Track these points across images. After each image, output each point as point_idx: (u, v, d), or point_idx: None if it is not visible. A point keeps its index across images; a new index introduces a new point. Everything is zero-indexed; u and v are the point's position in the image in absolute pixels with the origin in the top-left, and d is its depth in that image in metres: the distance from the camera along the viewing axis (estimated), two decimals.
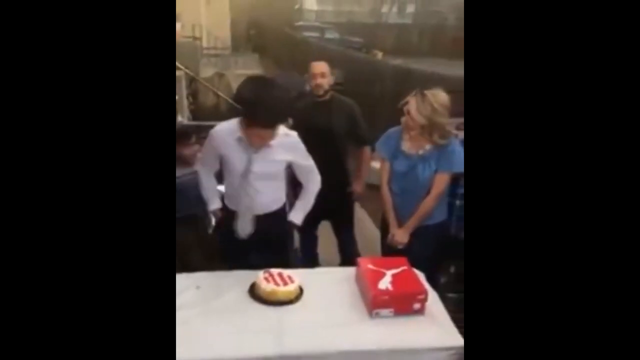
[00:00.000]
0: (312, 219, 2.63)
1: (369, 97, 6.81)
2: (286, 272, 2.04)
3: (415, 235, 2.55)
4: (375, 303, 1.87)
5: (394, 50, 19.44)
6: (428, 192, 2.49)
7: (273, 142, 2.18)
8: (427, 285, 2.03)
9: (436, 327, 1.85)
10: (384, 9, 29.65)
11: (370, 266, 2.05)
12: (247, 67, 12.48)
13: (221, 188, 2.53)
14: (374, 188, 2.89)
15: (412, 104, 2.42)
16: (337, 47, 14.10)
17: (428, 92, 2.39)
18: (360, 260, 2.14)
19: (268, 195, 2.36)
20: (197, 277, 2.10)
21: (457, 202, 2.69)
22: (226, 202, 2.46)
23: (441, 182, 2.47)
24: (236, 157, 2.25)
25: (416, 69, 6.83)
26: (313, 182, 2.44)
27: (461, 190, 2.65)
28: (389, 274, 1.99)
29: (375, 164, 3.22)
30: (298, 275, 2.05)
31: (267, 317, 1.86)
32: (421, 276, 2.12)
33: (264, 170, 2.26)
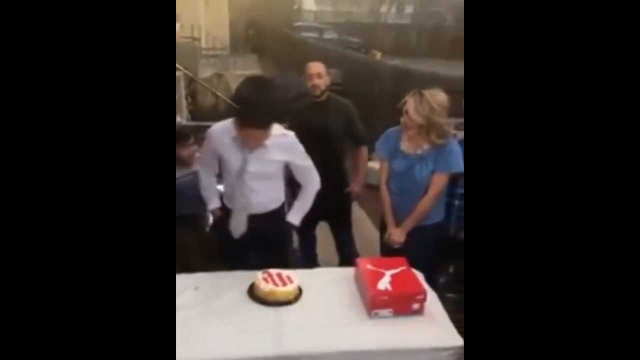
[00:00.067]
0: (311, 219, 2.64)
1: (367, 97, 6.81)
2: (285, 272, 2.04)
3: (412, 235, 2.55)
4: (374, 303, 1.87)
5: (392, 51, 19.44)
6: (426, 192, 2.49)
7: (269, 142, 2.18)
8: (426, 286, 2.03)
9: (435, 327, 1.85)
10: (383, 9, 29.65)
11: (370, 266, 2.05)
12: (246, 68, 12.45)
13: (221, 188, 2.54)
14: (373, 188, 2.90)
15: (410, 103, 2.42)
16: (335, 47, 14.10)
17: (426, 92, 2.40)
18: (359, 260, 2.14)
19: (265, 195, 2.36)
20: (196, 278, 2.10)
21: (456, 202, 2.70)
22: (225, 201, 2.47)
23: (439, 182, 2.48)
24: (232, 157, 2.26)
25: (415, 69, 6.82)
26: (311, 183, 2.43)
27: (460, 190, 2.65)
28: (388, 274, 1.99)
29: (375, 165, 3.23)
30: (297, 276, 2.05)
31: (266, 318, 1.86)
32: (420, 276, 2.12)
33: (260, 170, 2.26)
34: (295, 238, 3.11)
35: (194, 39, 14.06)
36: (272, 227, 2.41)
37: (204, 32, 16.37)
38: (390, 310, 1.88)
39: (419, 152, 2.49)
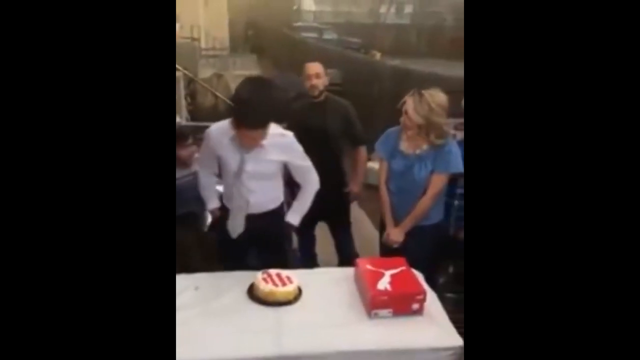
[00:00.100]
0: (310, 219, 2.64)
1: (367, 98, 6.81)
2: (285, 272, 2.04)
3: (411, 235, 2.55)
4: (374, 303, 1.88)
5: (392, 51, 19.43)
6: (425, 192, 2.49)
7: (266, 142, 2.17)
8: (425, 286, 2.03)
9: (435, 327, 1.85)
10: (382, 10, 29.65)
11: (369, 266, 2.05)
12: (245, 68, 12.45)
13: (221, 188, 2.54)
14: (373, 188, 2.90)
15: (409, 103, 2.42)
16: (335, 47, 14.11)
17: (426, 92, 2.40)
18: (359, 260, 2.14)
19: (263, 195, 2.35)
20: (196, 278, 2.10)
21: (456, 203, 2.70)
22: (224, 201, 2.47)
23: (437, 182, 2.48)
24: (230, 157, 2.26)
25: (414, 69, 6.82)
26: (310, 183, 2.43)
27: (459, 191, 2.66)
28: (387, 274, 1.99)
29: (374, 165, 3.23)
30: (297, 276, 2.05)
31: (265, 318, 1.87)
32: (420, 276, 2.12)
33: (257, 169, 2.26)
34: (294, 238, 3.11)
35: (193, 39, 14.07)
36: (271, 227, 2.41)
37: (204, 33, 16.36)
38: (390, 310, 1.88)
39: (417, 152, 2.49)
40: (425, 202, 2.50)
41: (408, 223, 2.54)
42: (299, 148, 2.32)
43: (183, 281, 1.97)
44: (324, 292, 2.05)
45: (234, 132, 2.15)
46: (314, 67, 3.02)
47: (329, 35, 20.06)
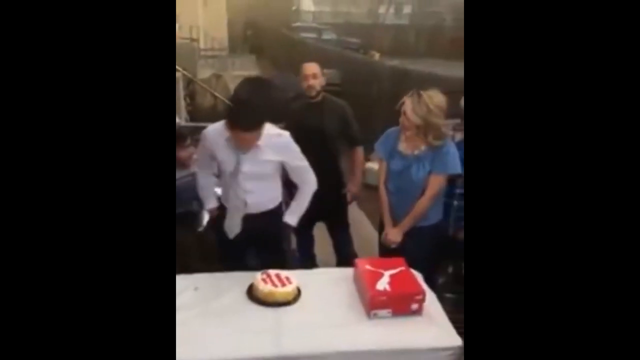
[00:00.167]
0: (308, 220, 2.64)
1: (366, 98, 6.81)
2: (284, 273, 2.04)
3: (410, 235, 2.55)
4: (373, 304, 1.88)
5: (391, 51, 19.44)
6: (423, 193, 2.50)
7: (262, 143, 2.17)
8: (424, 286, 2.03)
9: (434, 327, 1.86)
10: (381, 10, 29.66)
11: (368, 267, 2.05)
12: (244, 69, 12.44)
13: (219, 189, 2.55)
14: (372, 189, 2.90)
15: (408, 104, 2.43)
16: (334, 48, 14.10)
17: (424, 93, 2.40)
18: (358, 261, 2.14)
19: (260, 195, 2.36)
20: (196, 278, 2.10)
21: (455, 203, 2.70)
22: (223, 201, 2.47)
23: (436, 183, 2.48)
24: (226, 158, 2.26)
25: (413, 69, 6.81)
26: (307, 183, 2.42)
27: (458, 191, 2.66)
28: (386, 274, 1.99)
29: (374, 165, 3.23)
30: (296, 276, 2.05)
31: (265, 318, 1.87)
32: (419, 277, 2.12)
33: (254, 170, 2.26)
34: (293, 239, 3.11)
35: (192, 39, 14.06)
36: (269, 227, 2.41)
37: (203, 33, 16.35)
38: (389, 310, 1.88)
39: (416, 152, 2.50)
40: (423, 203, 2.50)
41: (407, 223, 2.54)
42: (295, 148, 2.31)
43: (182, 281, 1.97)
44: (323, 292, 2.06)
45: (229, 134, 2.16)
46: (311, 68, 3.02)
47: (328, 36, 20.05)
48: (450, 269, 2.98)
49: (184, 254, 2.42)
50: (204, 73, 10.23)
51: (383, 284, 1.93)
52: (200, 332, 1.76)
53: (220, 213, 2.47)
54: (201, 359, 1.67)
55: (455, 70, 4.52)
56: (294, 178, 2.43)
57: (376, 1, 30.16)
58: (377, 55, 16.29)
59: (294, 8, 30.16)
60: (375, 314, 1.88)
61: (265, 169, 2.29)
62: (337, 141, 3.14)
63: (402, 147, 2.54)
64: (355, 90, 7.18)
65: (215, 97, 7.81)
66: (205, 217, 2.76)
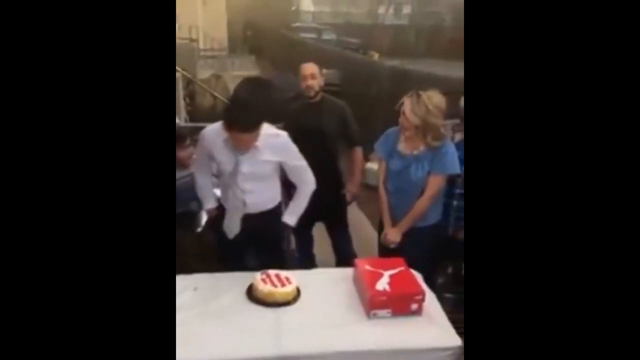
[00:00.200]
0: (307, 220, 2.64)
1: (365, 98, 6.82)
2: (283, 273, 2.05)
3: (409, 235, 2.55)
4: (372, 304, 1.88)
5: (390, 51, 19.43)
6: (422, 193, 2.50)
7: (260, 143, 2.17)
8: (424, 286, 2.03)
9: (433, 327, 1.86)
10: (381, 10, 29.69)
11: (368, 267, 2.05)
12: (243, 69, 12.45)
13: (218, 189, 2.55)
14: (372, 189, 2.90)
15: (407, 104, 2.43)
16: (334, 48, 14.11)
17: (423, 94, 2.40)
18: (357, 261, 2.14)
19: (259, 196, 2.36)
20: (195, 279, 2.10)
21: (455, 203, 2.70)
22: (222, 201, 2.48)
23: (434, 183, 2.49)
24: (224, 158, 2.26)
25: (412, 69, 6.82)
26: (306, 183, 2.42)
27: (458, 191, 2.66)
28: (386, 274, 1.99)
29: (374, 166, 3.23)
30: (295, 277, 2.05)
31: (265, 318, 1.87)
32: (418, 277, 2.12)
33: (252, 171, 2.26)
34: (292, 239, 3.11)
35: (191, 40, 14.07)
36: (268, 226, 2.41)
37: (202, 33, 16.35)
38: (389, 310, 1.88)
39: (415, 152, 2.50)
40: (422, 203, 2.50)
41: (406, 223, 2.55)
42: (293, 148, 2.31)
43: (182, 282, 1.97)
44: (323, 292, 2.06)
45: (227, 135, 2.16)
46: (309, 68, 3.01)
47: (328, 36, 20.07)
48: (449, 269, 2.98)
49: (183, 254, 2.42)
50: (203, 73, 10.24)
51: (383, 284, 1.93)
52: (199, 332, 1.76)
53: (219, 213, 2.47)
54: (201, 359, 1.67)
55: (455, 70, 4.53)
56: (293, 178, 2.43)
57: (376, 1, 30.18)
58: (376, 56, 16.28)
59: (293, 8, 30.18)
60: (374, 314, 1.88)
61: (264, 169, 2.29)
62: (336, 141, 3.14)
63: (402, 147, 2.55)
64: (354, 91, 7.19)
65: (214, 98, 7.81)
66: (204, 218, 2.76)
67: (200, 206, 2.66)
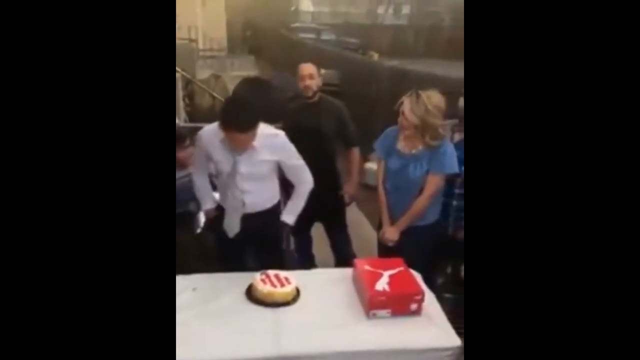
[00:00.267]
0: (305, 220, 2.64)
1: (365, 98, 6.82)
2: (283, 273, 2.05)
3: (407, 235, 2.55)
4: (372, 304, 1.88)
5: (390, 51, 19.45)
6: (420, 192, 2.50)
7: (258, 143, 2.17)
8: (423, 286, 2.03)
9: (433, 327, 1.86)
10: (380, 10, 29.71)
11: (367, 267, 2.05)
12: (243, 69, 12.45)
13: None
14: (371, 189, 2.90)
15: (406, 104, 2.43)
16: (333, 48, 14.10)
17: (423, 93, 2.41)
18: (357, 261, 2.15)
19: (258, 195, 2.36)
20: (195, 279, 2.10)
21: (454, 203, 2.70)
22: (221, 202, 2.48)
23: (433, 183, 2.49)
24: (222, 159, 2.26)
25: (412, 69, 6.82)
26: (304, 183, 2.43)
27: (457, 191, 2.66)
28: (385, 274, 1.99)
29: (373, 166, 3.23)
30: (295, 277, 2.05)
31: (264, 319, 1.87)
32: (418, 277, 2.12)
33: (251, 171, 2.26)
34: (291, 239, 3.11)
35: (191, 40, 14.07)
36: (267, 226, 2.41)
37: (201, 34, 16.35)
38: (388, 310, 1.89)
39: (413, 151, 2.50)
40: (421, 202, 2.51)
41: (404, 222, 2.55)
42: (291, 147, 2.31)
43: (181, 282, 1.97)
44: (322, 292, 2.06)
45: (224, 135, 2.15)
46: (307, 68, 3.01)
47: (327, 36, 20.05)
48: (449, 269, 2.98)
49: (182, 255, 2.42)
50: (202, 73, 10.24)
51: (382, 284, 1.93)
52: (199, 333, 1.76)
53: (218, 213, 2.47)
54: (201, 359, 1.67)
55: (454, 70, 4.53)
56: (291, 177, 2.43)
57: (375, 1, 30.20)
58: (376, 56, 16.29)
59: (292, 8, 30.19)
60: (374, 314, 1.88)
61: (262, 169, 2.29)
62: (334, 141, 3.14)
63: (401, 146, 2.55)
64: (354, 91, 7.19)
65: (214, 98, 7.81)
66: (202, 219, 2.75)
67: (198, 207, 2.66)
